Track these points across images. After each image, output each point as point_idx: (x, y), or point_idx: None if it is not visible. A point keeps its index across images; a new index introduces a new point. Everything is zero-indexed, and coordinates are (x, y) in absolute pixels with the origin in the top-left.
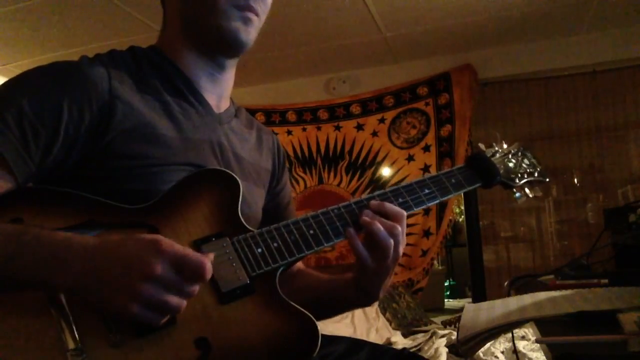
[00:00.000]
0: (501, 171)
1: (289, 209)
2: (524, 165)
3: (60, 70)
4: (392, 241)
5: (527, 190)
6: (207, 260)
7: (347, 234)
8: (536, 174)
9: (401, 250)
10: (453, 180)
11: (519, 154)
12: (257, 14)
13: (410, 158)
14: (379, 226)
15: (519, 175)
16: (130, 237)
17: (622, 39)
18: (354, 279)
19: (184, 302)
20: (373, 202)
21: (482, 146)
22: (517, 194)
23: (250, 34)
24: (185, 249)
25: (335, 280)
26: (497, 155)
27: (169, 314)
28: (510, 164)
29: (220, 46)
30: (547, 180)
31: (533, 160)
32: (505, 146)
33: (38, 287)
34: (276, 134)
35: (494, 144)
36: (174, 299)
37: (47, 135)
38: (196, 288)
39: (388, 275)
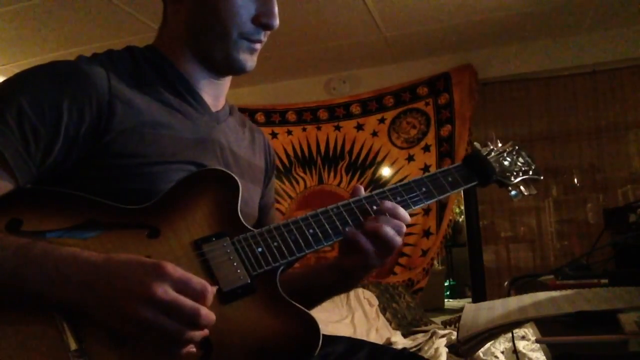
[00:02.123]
0: (497, 170)
1: (273, 209)
2: (518, 163)
3: (59, 70)
4: (399, 239)
5: (522, 188)
6: (209, 286)
7: (350, 233)
8: (531, 172)
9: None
10: (450, 179)
11: (514, 152)
12: (262, 43)
13: (410, 158)
14: (388, 227)
15: (514, 173)
16: (134, 259)
17: (622, 39)
18: (343, 272)
19: (187, 331)
20: (387, 204)
21: (477, 145)
22: (513, 192)
23: (255, 62)
24: (188, 274)
25: (313, 274)
26: (493, 154)
27: (174, 340)
28: (506, 163)
29: (222, 69)
30: (542, 177)
31: (527, 158)
32: (500, 145)
33: (41, 301)
34: (276, 134)
35: (489, 143)
36: (174, 325)
37: (47, 136)
38: (200, 313)
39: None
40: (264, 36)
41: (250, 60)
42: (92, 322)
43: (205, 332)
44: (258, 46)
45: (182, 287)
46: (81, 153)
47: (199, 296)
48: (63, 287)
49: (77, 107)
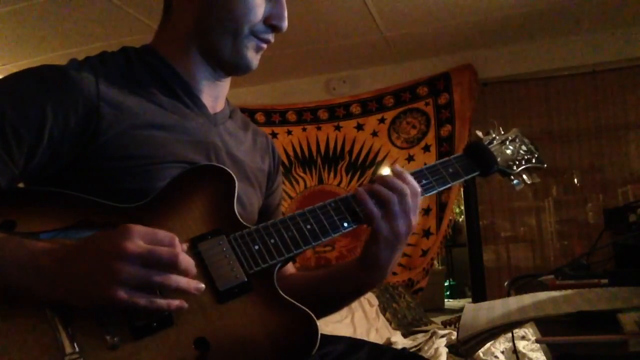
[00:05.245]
0: (499, 159)
1: (278, 211)
2: (521, 151)
3: (45, 74)
4: (396, 196)
5: (524, 177)
6: (174, 235)
7: (358, 191)
8: (534, 160)
9: (414, 220)
10: (450, 170)
11: (517, 140)
12: (269, 44)
13: (410, 158)
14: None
15: (517, 162)
16: (98, 233)
17: (622, 39)
18: (361, 260)
19: (170, 277)
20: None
21: (479, 134)
22: (515, 181)
23: (258, 61)
24: (152, 228)
25: (335, 272)
26: (495, 142)
27: (159, 290)
28: (508, 151)
29: (229, 66)
30: (545, 165)
31: (531, 146)
32: (502, 133)
33: (23, 296)
34: (276, 134)
35: (492, 131)
36: (156, 274)
37: (30, 138)
38: (177, 259)
39: (400, 244)
40: (272, 37)
41: (255, 59)
42: (83, 317)
43: (196, 283)
44: (265, 46)
45: (151, 239)
46: (70, 156)
47: (169, 244)
48: (43, 282)
49: (62, 111)
